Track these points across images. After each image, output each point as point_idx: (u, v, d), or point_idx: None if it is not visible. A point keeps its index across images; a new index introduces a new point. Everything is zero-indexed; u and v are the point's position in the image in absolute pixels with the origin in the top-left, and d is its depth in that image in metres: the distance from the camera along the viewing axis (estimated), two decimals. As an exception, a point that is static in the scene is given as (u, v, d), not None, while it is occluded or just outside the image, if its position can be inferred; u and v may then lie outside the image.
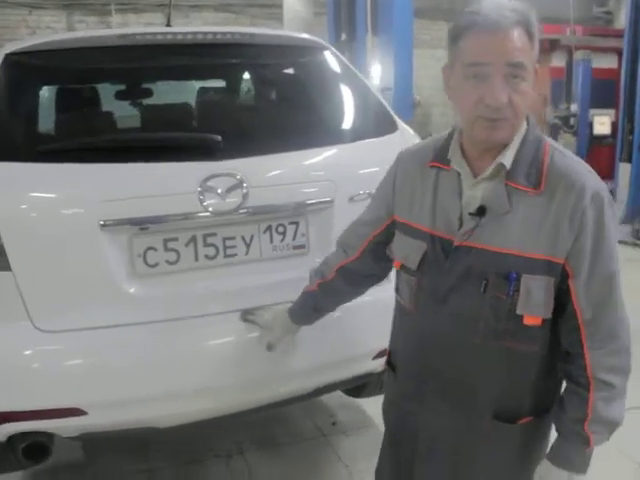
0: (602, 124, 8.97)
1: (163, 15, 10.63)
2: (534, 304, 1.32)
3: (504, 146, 1.33)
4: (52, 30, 10.09)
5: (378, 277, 1.77)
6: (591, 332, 1.33)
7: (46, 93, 2.51)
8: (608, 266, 1.32)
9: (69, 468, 2.85)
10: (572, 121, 8.46)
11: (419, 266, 1.45)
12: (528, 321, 1.33)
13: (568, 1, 8.12)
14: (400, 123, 2.44)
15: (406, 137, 2.35)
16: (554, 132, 8.93)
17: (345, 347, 2.16)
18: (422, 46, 10.63)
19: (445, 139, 1.48)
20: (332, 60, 2.54)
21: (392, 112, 2.46)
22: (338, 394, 3.23)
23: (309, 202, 2.12)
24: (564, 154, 1.36)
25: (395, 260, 1.55)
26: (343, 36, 5.66)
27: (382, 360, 2.02)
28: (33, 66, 2.23)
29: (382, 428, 1.74)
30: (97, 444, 3.00)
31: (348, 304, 1.99)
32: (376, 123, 2.39)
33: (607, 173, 6.91)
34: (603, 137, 8.95)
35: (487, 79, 1.25)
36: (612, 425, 1.38)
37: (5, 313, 1.88)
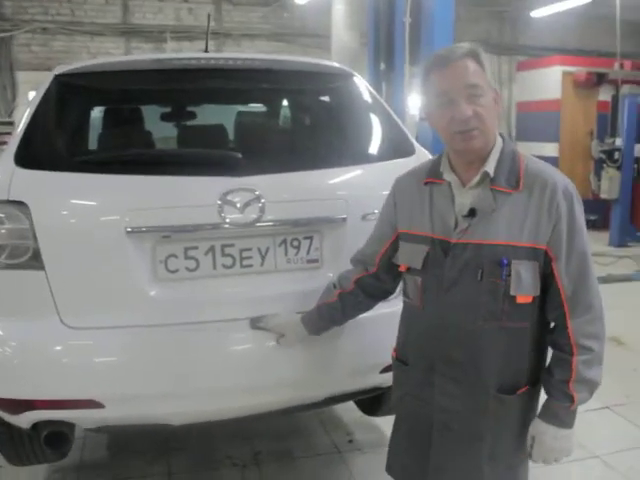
0: (650, 160, 8.82)
1: (216, 42, 11.05)
2: (524, 285, 1.57)
3: (484, 158, 1.61)
4: (111, 55, 10.58)
5: (391, 290, 1.98)
6: (572, 305, 1.59)
7: (88, 110, 2.72)
8: (581, 246, 1.59)
9: (92, 467, 2.98)
10: (617, 155, 8.34)
11: (423, 266, 1.70)
12: (520, 300, 1.58)
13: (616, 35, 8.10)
14: (418, 147, 2.53)
15: (422, 160, 2.44)
16: (598, 166, 8.84)
17: (353, 359, 2.24)
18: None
19: (435, 160, 1.77)
20: (356, 86, 2.67)
21: (411, 137, 2.57)
22: (357, 413, 3.30)
23: (323, 218, 2.23)
24: (535, 161, 1.66)
25: (401, 265, 1.79)
26: (382, 66, 5.80)
27: (390, 375, 2.11)
28: (77, 86, 2.43)
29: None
30: (120, 445, 3.15)
31: (356, 317, 2.08)
32: (393, 146, 2.49)
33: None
34: (650, 173, 8.80)
35: (453, 102, 1.56)
36: (592, 385, 1.62)
37: (36, 309, 2.04)
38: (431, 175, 1.72)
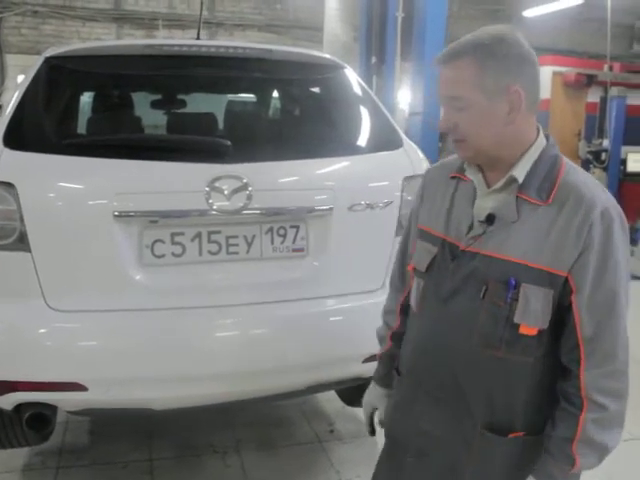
0: (637, 161, 8.91)
1: (208, 32, 11.01)
2: (531, 314, 1.32)
3: (510, 162, 1.37)
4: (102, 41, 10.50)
5: None
6: (590, 351, 1.32)
7: (78, 94, 2.71)
8: (612, 285, 1.31)
9: (73, 451, 2.98)
10: (603, 156, 8.43)
11: (427, 269, 1.49)
12: (524, 330, 1.34)
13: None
14: (406, 141, 2.55)
15: (410, 154, 2.47)
16: (585, 167, 8.92)
17: (335, 348, 2.26)
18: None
19: None
20: (346, 78, 2.68)
21: (399, 130, 2.58)
22: (338, 403, 3.32)
23: (310, 208, 2.24)
24: (579, 172, 1.38)
25: (410, 264, 1.58)
26: (373, 59, 5.83)
27: (373, 364, 2.13)
28: (68, 69, 2.42)
29: (377, 439, 1.79)
30: (102, 431, 3.15)
31: (339, 307, 2.10)
32: (381, 139, 2.51)
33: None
34: (637, 174, 8.89)
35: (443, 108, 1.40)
36: (602, 450, 1.35)
37: (21, 290, 2.05)
38: (459, 170, 1.49)
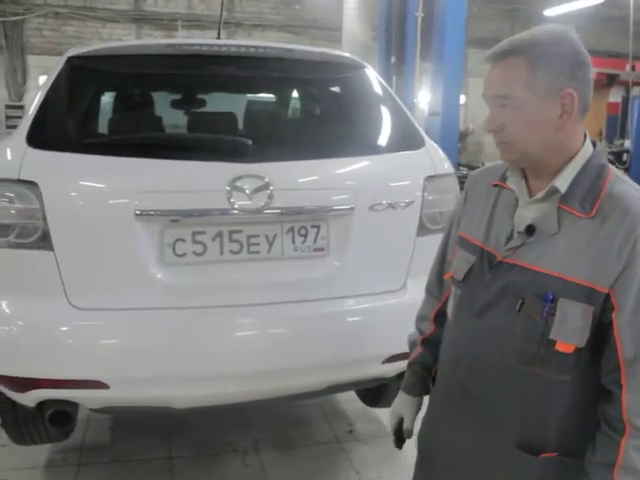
0: (660, 162, 8.83)
1: (227, 32, 11.07)
2: (569, 330, 1.26)
3: (554, 170, 1.32)
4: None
5: None
6: (631, 373, 1.24)
7: (100, 93, 2.74)
8: None
9: (94, 448, 3.00)
10: (625, 157, 8.35)
11: (464, 278, 1.45)
12: (560, 347, 1.28)
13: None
14: (428, 141, 2.54)
15: (432, 154, 2.45)
16: (606, 167, 8.84)
17: (355, 348, 2.24)
18: (480, 75, 10.72)
19: None
20: (367, 77, 2.67)
21: (420, 129, 2.57)
22: (358, 404, 3.31)
23: (331, 207, 2.24)
24: (626, 182, 1.32)
25: (448, 272, 1.54)
26: (393, 59, 5.82)
27: (393, 365, 2.11)
28: (90, 69, 2.45)
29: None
30: (122, 429, 3.18)
31: (360, 307, 2.09)
32: (403, 139, 2.50)
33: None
34: (660, 176, 8.82)
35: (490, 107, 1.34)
36: None
37: (44, 289, 2.06)
38: (502, 178, 1.44)
